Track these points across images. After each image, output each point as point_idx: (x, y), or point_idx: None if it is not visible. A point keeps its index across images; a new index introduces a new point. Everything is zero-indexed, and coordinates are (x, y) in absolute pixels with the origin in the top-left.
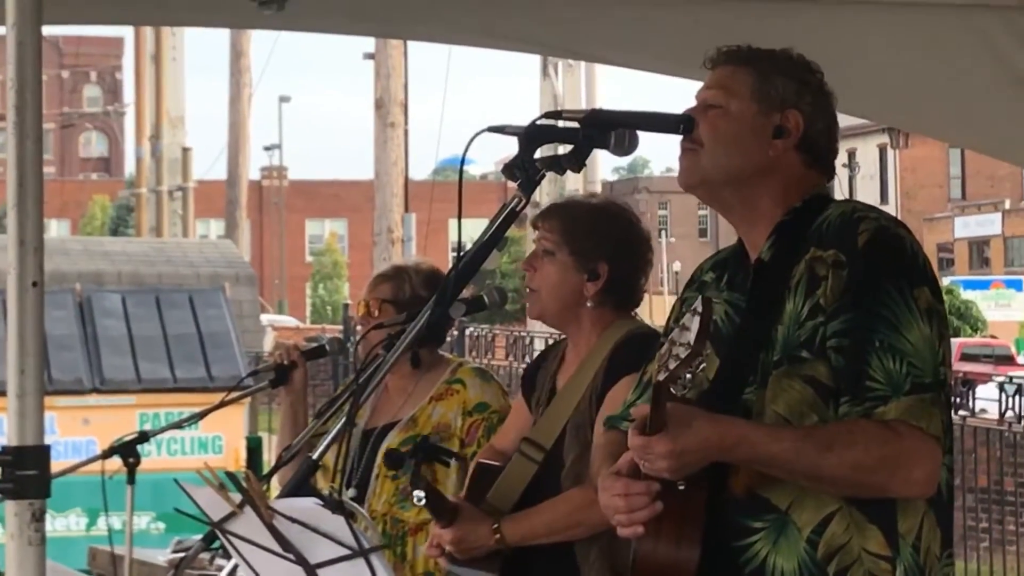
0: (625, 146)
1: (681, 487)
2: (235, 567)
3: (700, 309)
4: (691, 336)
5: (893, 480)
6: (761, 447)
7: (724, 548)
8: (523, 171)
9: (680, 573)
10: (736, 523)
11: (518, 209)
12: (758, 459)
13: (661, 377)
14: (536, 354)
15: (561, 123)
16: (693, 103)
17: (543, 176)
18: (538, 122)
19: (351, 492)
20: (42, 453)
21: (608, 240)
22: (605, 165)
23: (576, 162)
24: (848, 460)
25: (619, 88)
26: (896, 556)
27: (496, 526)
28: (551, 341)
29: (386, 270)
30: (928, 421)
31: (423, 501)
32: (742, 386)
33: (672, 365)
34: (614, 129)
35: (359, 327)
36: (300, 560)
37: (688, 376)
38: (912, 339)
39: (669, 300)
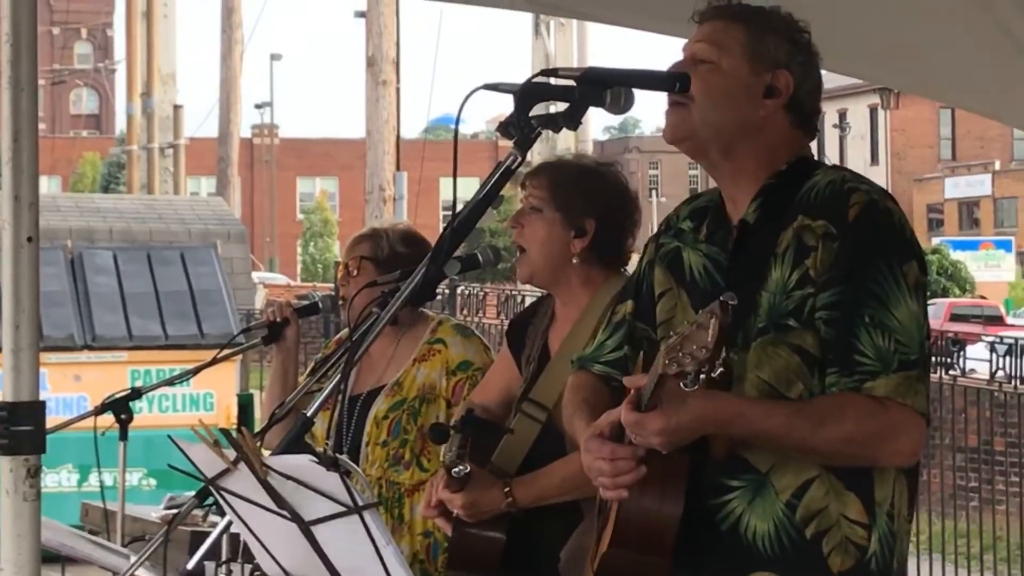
0: (621, 104)
1: (665, 451)
2: (229, 524)
3: (719, 312)
4: (708, 339)
5: (881, 452)
6: (755, 423)
7: (700, 507)
8: (518, 129)
9: (663, 527)
10: (713, 482)
11: (514, 167)
12: (751, 434)
13: (671, 371)
14: None
15: (555, 81)
16: (681, 56)
17: (539, 134)
18: (533, 80)
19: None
20: (37, 408)
21: (595, 198)
22: (596, 125)
23: (572, 120)
24: (839, 434)
25: (611, 48)
26: (872, 524)
27: (508, 489)
28: None
29: (363, 231)
30: (915, 398)
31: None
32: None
33: (687, 363)
34: (610, 87)
35: (341, 287)
36: (294, 517)
37: (702, 378)
38: (900, 316)
39: None
